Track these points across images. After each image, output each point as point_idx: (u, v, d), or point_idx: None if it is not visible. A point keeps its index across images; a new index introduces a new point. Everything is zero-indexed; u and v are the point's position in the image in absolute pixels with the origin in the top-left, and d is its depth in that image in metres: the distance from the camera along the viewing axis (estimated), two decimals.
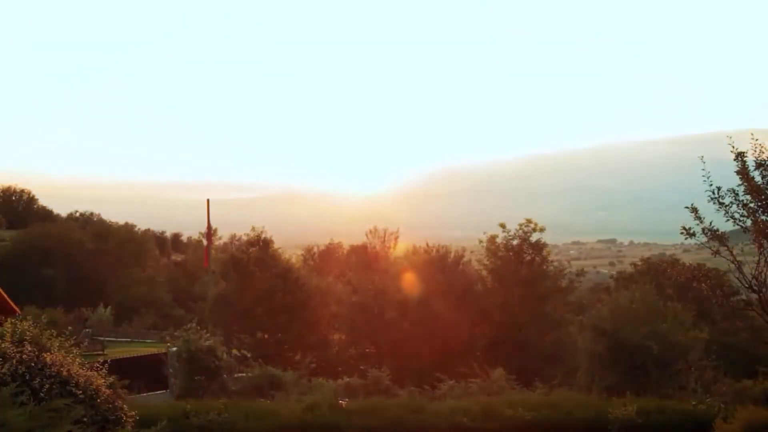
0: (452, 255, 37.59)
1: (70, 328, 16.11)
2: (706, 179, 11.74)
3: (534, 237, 35.53)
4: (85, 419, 8.30)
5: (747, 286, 11.96)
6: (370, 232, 48.99)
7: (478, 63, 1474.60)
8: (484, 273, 38.06)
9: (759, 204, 11.57)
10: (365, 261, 42.87)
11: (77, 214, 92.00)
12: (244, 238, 42.70)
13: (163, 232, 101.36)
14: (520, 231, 35.72)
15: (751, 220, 11.68)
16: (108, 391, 9.20)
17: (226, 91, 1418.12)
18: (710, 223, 11.95)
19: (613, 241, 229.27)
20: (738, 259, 11.95)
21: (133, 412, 9.44)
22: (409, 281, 36.16)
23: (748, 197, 11.65)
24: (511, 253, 35.51)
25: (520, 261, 35.23)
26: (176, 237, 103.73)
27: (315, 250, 56.64)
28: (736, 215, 11.78)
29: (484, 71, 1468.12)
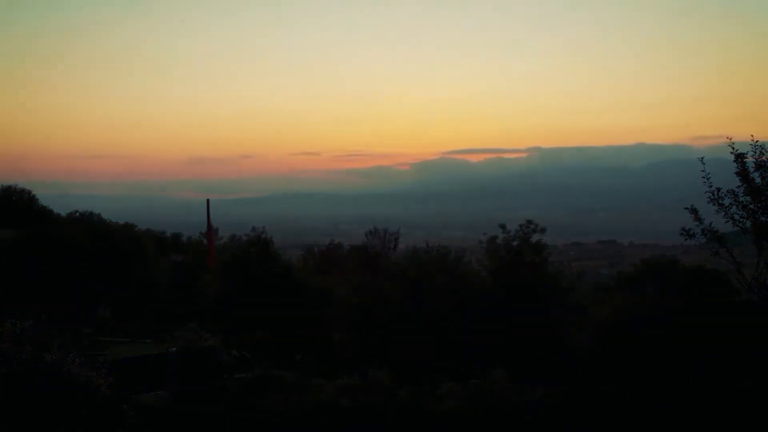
0: (452, 255, 37.52)
1: (70, 328, 16.09)
2: (706, 180, 11.74)
3: (534, 238, 35.51)
4: (85, 419, 8.32)
5: (746, 286, 11.97)
6: (370, 232, 48.95)
7: (477, 60, 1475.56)
8: (484, 274, 38.04)
9: (758, 205, 11.58)
10: (365, 261, 42.78)
11: (77, 214, 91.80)
12: (244, 238, 42.64)
13: (163, 232, 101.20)
14: (521, 232, 35.69)
15: (751, 221, 11.68)
16: (108, 391, 9.22)
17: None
18: (710, 224, 11.95)
19: (613, 242, 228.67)
20: (737, 260, 11.96)
21: (133, 412, 9.46)
22: (409, 281, 36.09)
23: (748, 198, 11.66)
24: (511, 254, 35.50)
25: (520, 262, 35.21)
26: (176, 237, 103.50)
27: (315, 250, 56.50)
28: (736, 216, 11.78)
29: (482, 65, 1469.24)
